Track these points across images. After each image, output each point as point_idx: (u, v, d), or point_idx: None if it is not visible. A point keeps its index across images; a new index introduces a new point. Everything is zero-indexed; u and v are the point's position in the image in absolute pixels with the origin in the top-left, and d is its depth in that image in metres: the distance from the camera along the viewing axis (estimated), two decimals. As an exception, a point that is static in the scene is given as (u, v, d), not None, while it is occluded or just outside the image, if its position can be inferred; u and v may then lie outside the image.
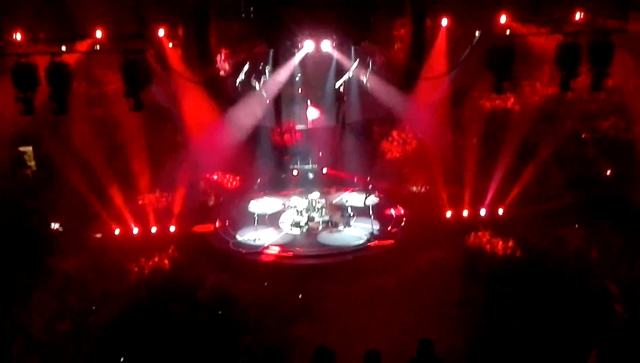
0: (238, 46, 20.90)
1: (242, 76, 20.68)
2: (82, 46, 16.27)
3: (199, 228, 18.95)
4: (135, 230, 18.41)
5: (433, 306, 13.87)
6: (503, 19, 15.11)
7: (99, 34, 15.31)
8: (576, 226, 16.35)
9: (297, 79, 21.72)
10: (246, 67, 20.63)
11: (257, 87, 20.78)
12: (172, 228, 18.54)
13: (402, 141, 21.59)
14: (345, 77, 20.83)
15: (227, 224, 19.17)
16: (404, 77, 20.87)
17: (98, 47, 16.22)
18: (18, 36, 15.08)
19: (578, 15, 14.78)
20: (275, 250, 17.34)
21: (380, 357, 7.51)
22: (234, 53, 21.02)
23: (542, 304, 13.04)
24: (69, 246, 16.55)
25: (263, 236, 18.11)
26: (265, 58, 20.62)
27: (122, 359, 11.64)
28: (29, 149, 19.88)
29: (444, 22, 17.93)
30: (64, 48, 15.20)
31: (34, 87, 14.05)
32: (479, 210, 18.74)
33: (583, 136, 19.97)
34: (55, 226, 17.89)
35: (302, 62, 20.85)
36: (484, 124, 19.96)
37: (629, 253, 14.62)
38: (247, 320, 13.56)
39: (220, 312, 13.75)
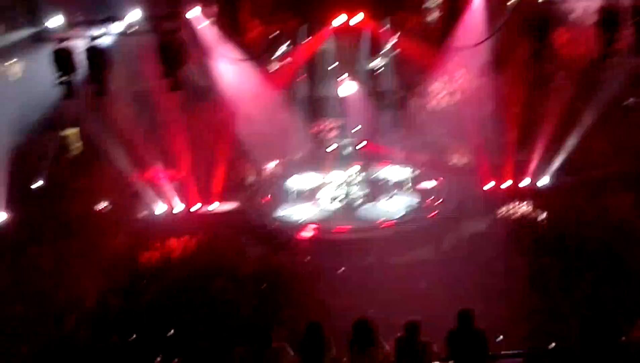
0: (271, 20, 20.86)
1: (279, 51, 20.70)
2: (118, 27, 16.54)
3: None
4: (178, 208, 18.76)
5: (475, 279, 13.73)
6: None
7: (134, 15, 15.52)
8: (623, 193, 15.87)
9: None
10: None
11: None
12: (216, 204, 18.80)
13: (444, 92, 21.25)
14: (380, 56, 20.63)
15: (268, 199, 19.36)
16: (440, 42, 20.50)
17: (134, 28, 16.44)
18: (56, 21, 15.44)
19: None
20: (313, 226, 17.39)
21: (420, 327, 7.52)
22: (268, 28, 21.01)
23: (587, 275, 12.81)
24: (115, 225, 17.01)
25: (302, 211, 18.22)
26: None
27: (171, 331, 11.98)
28: (75, 131, 20.41)
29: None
30: (101, 30, 15.53)
31: (72, 70, 14.43)
32: (521, 180, 18.36)
33: (628, 101, 19.33)
34: (102, 206, 18.35)
35: (336, 35, 20.71)
36: (525, 93, 19.46)
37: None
38: (289, 294, 13.77)
39: (263, 286, 14.01)
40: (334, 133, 22.34)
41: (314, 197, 19.24)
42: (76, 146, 20.65)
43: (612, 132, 18.85)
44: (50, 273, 14.34)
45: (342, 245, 16.60)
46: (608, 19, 13.55)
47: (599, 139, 18.75)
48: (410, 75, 21.39)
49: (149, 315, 12.73)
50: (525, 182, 18.30)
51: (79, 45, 14.77)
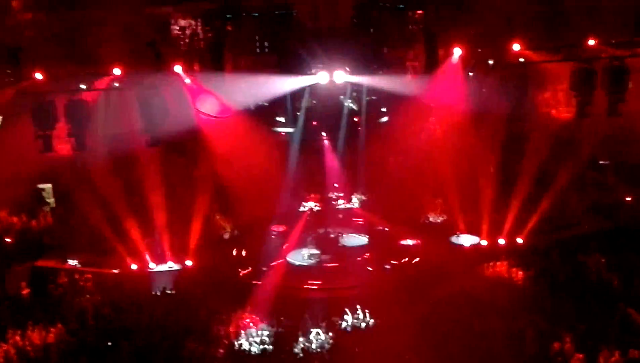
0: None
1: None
2: (101, 83, 16.62)
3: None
4: (153, 266, 18.38)
5: (452, 339, 13.57)
6: (516, 47, 15.11)
7: (117, 71, 15.62)
8: (597, 254, 15.98)
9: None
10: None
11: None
12: (189, 263, 18.48)
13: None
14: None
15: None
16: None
17: (117, 84, 16.54)
18: (38, 76, 15.45)
19: (591, 42, 14.72)
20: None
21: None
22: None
23: (564, 334, 12.72)
24: (86, 282, 16.57)
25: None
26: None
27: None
28: (48, 186, 20.18)
29: (457, 51, 17.93)
30: (83, 86, 15.57)
31: (52, 125, 14.36)
32: (497, 239, 18.43)
33: (601, 162, 19.76)
34: (73, 262, 17.93)
35: (315, 94, 21.04)
36: (500, 152, 19.81)
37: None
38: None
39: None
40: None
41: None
42: (49, 201, 20.35)
43: (586, 192, 19.19)
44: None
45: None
46: (582, 81, 13.87)
47: (574, 199, 19.04)
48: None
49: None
50: (501, 241, 18.31)
51: (59, 100, 14.75)
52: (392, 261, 18.11)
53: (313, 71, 19.62)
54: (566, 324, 12.86)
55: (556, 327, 12.82)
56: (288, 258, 18.87)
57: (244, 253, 19.18)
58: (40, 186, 20.23)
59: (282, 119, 22.59)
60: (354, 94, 21.78)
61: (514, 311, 14.00)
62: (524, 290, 15.18)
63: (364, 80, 20.26)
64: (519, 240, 18.16)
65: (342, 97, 21.68)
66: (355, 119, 21.77)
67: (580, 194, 19.26)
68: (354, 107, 21.82)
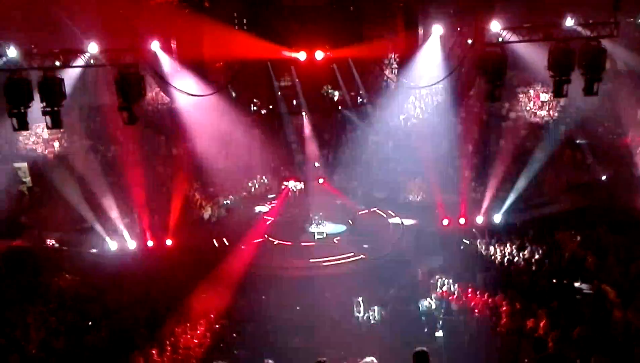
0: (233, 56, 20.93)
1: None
2: (77, 59, 16.25)
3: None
4: (132, 244, 18.25)
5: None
6: (495, 25, 15.09)
7: (93, 47, 15.30)
8: (572, 231, 16.26)
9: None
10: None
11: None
12: (169, 242, 18.40)
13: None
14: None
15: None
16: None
17: (92, 61, 16.20)
18: (11, 52, 15.07)
19: (569, 21, 14.76)
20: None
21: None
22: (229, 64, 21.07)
23: (539, 311, 12.95)
24: (64, 262, 16.42)
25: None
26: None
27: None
28: (24, 165, 19.83)
29: (437, 29, 17.94)
30: (57, 63, 15.22)
31: (27, 102, 14.04)
32: (475, 218, 18.63)
33: (578, 141, 20.02)
34: (50, 242, 17.74)
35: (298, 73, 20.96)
36: (479, 132, 19.96)
37: (625, 257, 14.54)
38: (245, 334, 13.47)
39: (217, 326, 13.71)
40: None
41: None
42: (26, 180, 19.99)
43: (561, 171, 19.45)
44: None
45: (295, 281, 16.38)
46: (559, 61, 13.93)
47: (550, 177, 19.31)
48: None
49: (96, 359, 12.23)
50: (479, 219, 18.51)
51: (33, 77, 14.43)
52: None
53: (292, 48, 19.51)
54: (541, 300, 13.10)
55: (531, 303, 13.06)
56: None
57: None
58: (16, 164, 19.87)
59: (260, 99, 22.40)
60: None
61: (489, 286, 14.27)
62: (500, 266, 15.43)
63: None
64: (496, 218, 18.42)
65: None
66: (335, 99, 21.70)
67: (556, 173, 19.50)
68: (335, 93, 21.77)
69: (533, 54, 16.25)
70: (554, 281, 14.05)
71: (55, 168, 18.08)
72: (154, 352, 12.12)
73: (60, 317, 13.67)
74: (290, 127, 23.05)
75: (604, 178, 19.23)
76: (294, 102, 22.61)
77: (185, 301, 14.39)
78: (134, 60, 15.04)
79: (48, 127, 14.36)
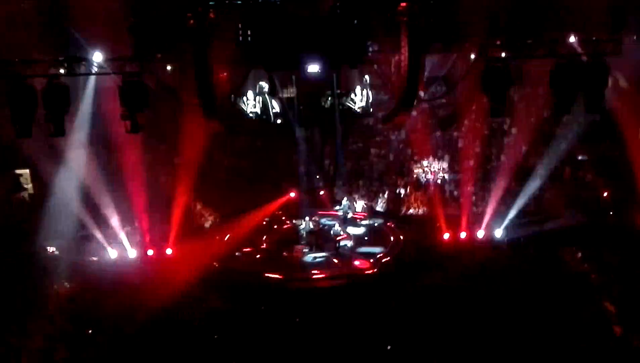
0: (236, 68, 20.98)
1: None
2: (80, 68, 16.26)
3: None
4: (132, 253, 18.21)
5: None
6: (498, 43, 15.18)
7: (97, 56, 15.36)
8: (574, 248, 16.24)
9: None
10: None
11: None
12: (169, 251, 18.35)
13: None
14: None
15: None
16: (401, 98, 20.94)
17: (96, 69, 16.24)
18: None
19: (572, 38, 14.83)
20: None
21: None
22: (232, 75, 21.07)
23: (541, 325, 12.93)
24: (64, 270, 16.37)
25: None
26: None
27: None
28: (26, 172, 19.81)
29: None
30: (62, 71, 15.27)
31: (31, 109, 14.06)
32: (477, 232, 18.59)
33: (579, 157, 20.03)
34: (51, 249, 17.70)
35: (298, 84, 20.97)
36: (480, 147, 19.99)
37: (627, 274, 14.54)
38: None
39: (215, 337, 13.65)
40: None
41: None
42: (27, 186, 19.98)
43: (563, 187, 19.46)
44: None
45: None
46: (561, 78, 13.98)
47: (551, 193, 19.32)
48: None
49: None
50: (480, 234, 18.48)
51: (37, 84, 14.46)
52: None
53: (296, 61, 19.50)
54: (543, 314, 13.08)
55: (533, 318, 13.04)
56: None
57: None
58: (18, 171, 19.85)
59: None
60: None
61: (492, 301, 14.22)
62: (502, 282, 15.39)
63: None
64: (498, 233, 18.38)
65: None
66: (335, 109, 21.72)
67: (557, 189, 19.51)
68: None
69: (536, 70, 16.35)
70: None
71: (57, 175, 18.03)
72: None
73: (60, 326, 13.62)
74: (291, 139, 22.99)
75: (605, 194, 19.25)
76: (295, 112, 22.56)
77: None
78: (138, 69, 15.17)
79: (51, 135, 14.44)
